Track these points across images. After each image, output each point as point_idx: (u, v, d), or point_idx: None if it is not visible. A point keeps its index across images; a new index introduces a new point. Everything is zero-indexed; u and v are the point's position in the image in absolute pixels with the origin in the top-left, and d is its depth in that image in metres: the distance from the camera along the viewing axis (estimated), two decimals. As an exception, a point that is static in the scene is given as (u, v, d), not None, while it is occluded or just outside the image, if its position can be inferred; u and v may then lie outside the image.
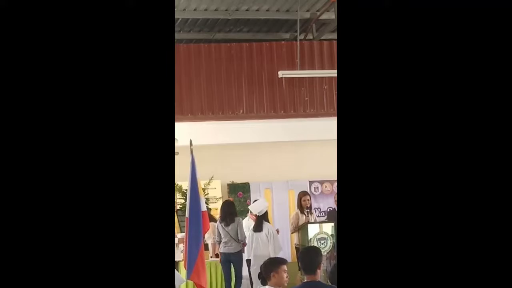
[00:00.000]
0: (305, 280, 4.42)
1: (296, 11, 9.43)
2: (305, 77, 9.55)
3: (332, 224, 8.69)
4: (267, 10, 9.74)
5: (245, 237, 8.12)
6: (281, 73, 9.23)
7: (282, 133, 9.60)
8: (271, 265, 4.68)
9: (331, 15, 9.68)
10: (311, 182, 10.72)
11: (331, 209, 9.46)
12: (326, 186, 10.79)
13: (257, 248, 8.06)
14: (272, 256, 7.33)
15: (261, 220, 8.17)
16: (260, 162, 10.58)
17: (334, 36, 10.40)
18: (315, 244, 8.32)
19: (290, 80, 9.51)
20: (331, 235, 8.50)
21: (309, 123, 9.63)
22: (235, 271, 8.04)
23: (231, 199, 9.11)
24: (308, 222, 8.65)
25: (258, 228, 8.14)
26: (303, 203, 8.87)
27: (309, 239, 8.46)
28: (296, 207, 9.08)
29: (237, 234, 8.04)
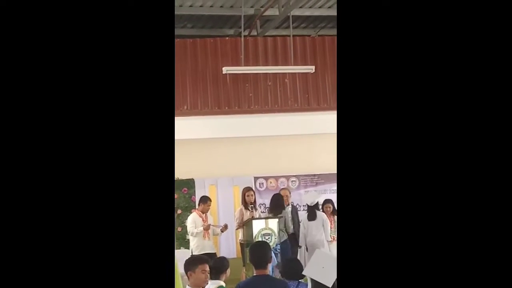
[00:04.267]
0: (255, 274, 4.44)
1: (240, 7, 9.42)
2: (250, 73, 9.56)
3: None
4: (211, 6, 9.71)
5: (292, 228, 8.90)
6: (225, 69, 9.22)
7: (227, 129, 9.60)
8: (189, 264, 4.58)
9: (275, 11, 9.71)
10: (256, 178, 10.73)
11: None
12: (271, 182, 10.83)
13: (310, 235, 8.78)
14: (325, 242, 8.62)
15: (313, 210, 8.91)
16: (205, 158, 10.55)
17: (278, 32, 10.45)
18: (260, 240, 8.36)
19: (235, 76, 9.52)
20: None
21: (253, 119, 9.65)
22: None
23: (280, 192, 9.39)
24: (253, 218, 8.68)
25: (312, 217, 8.87)
26: (247, 198, 8.90)
27: (253, 235, 8.49)
28: (241, 203, 9.10)
29: (284, 225, 8.72)
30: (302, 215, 9.33)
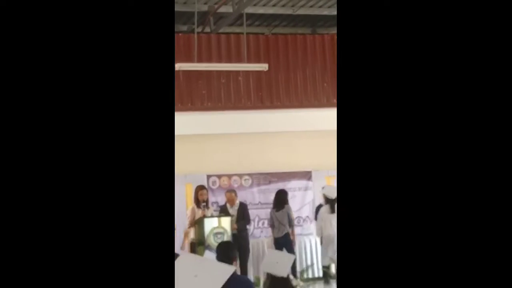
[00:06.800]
0: None
1: (194, 3, 9.35)
2: (203, 70, 9.50)
3: (229, 218, 8.72)
4: (164, 2, 9.60)
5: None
6: (178, 66, 9.12)
7: (179, 127, 9.37)
8: None
9: (229, 8, 9.66)
10: (209, 176, 10.65)
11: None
12: (223, 180, 10.76)
13: (329, 228, 9.06)
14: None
15: (334, 203, 8.99)
16: (157, 156, 10.44)
17: (231, 29, 10.41)
18: (212, 239, 8.34)
19: (188, 73, 9.43)
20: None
21: (206, 117, 9.60)
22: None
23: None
24: (205, 216, 8.62)
25: (332, 210, 9.07)
26: (199, 197, 8.85)
27: (205, 233, 8.44)
28: (193, 201, 9.03)
29: (285, 219, 9.18)
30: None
